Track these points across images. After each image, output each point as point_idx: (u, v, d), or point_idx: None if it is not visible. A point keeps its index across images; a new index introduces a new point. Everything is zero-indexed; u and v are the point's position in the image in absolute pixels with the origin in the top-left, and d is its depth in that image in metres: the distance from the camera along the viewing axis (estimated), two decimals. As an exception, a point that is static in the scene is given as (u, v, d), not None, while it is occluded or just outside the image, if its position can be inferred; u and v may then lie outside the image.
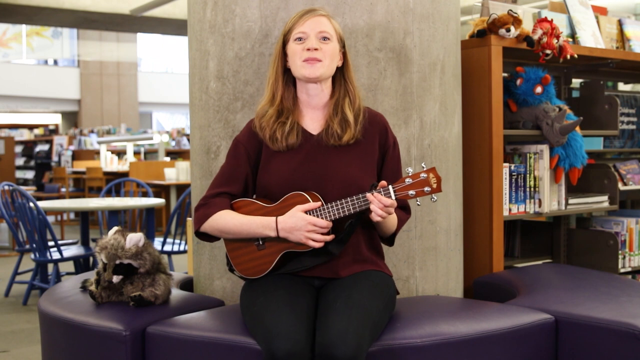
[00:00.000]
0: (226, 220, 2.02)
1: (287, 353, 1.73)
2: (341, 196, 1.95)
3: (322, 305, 1.90)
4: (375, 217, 1.91)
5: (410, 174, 1.91)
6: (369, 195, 1.91)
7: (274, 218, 1.97)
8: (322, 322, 1.82)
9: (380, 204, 1.89)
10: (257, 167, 2.10)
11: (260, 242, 2.02)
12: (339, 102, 2.07)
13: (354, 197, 1.93)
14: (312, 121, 2.10)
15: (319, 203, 1.96)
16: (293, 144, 2.05)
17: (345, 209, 1.94)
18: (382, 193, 1.91)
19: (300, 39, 2.02)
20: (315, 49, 2.00)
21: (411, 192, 1.90)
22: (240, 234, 2.01)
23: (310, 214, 1.95)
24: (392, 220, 2.05)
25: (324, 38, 2.02)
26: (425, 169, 1.91)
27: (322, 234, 1.94)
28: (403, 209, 2.13)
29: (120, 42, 19.97)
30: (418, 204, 1.98)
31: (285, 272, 2.03)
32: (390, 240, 2.14)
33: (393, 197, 1.91)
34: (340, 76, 2.10)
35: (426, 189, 1.90)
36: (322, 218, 1.94)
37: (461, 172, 2.77)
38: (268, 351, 1.76)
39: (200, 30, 2.59)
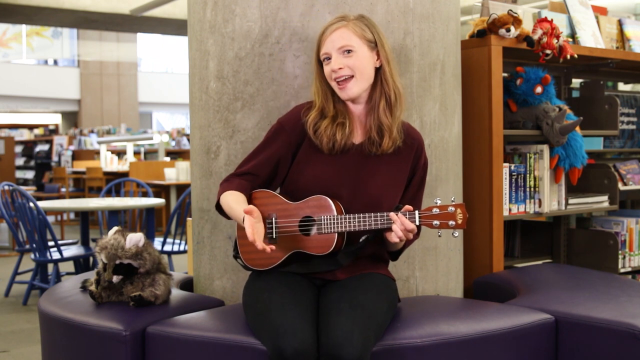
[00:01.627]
0: (229, 201, 2.01)
1: (295, 350, 1.72)
2: (364, 210, 1.96)
3: (325, 306, 1.90)
4: (393, 238, 1.92)
5: (438, 204, 1.92)
6: (392, 214, 1.91)
7: (242, 216, 1.90)
8: (327, 322, 1.81)
9: (402, 226, 1.90)
10: (294, 156, 2.08)
11: (274, 236, 2.02)
12: (375, 107, 2.05)
13: (378, 214, 1.93)
14: (357, 129, 2.09)
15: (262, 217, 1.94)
16: (350, 147, 2.04)
17: (367, 223, 1.94)
18: (407, 217, 1.91)
19: (327, 58, 2.03)
20: (340, 68, 1.99)
21: (435, 222, 1.91)
22: (233, 218, 2.02)
23: (338, 216, 1.94)
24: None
25: (347, 51, 2.00)
26: (454, 203, 1.92)
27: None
28: None
29: (120, 42, 19.97)
30: (439, 236, 1.98)
31: (289, 271, 2.04)
32: (394, 255, 2.14)
33: (417, 223, 1.91)
34: (377, 78, 2.06)
35: (451, 222, 1.90)
36: (344, 226, 1.95)
37: (461, 172, 2.77)
38: (275, 349, 1.75)
39: (200, 30, 2.59)
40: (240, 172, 2.08)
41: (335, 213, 1.96)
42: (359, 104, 2.08)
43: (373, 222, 1.93)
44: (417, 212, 1.92)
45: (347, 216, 1.95)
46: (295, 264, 2.03)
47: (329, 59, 2.02)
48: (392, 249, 2.10)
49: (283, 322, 1.78)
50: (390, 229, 1.92)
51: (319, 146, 2.04)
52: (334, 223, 1.95)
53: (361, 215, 1.94)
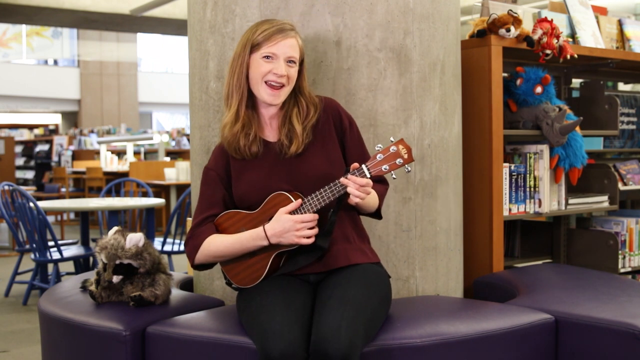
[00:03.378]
0: (216, 245, 2.03)
1: (281, 353, 1.73)
2: (317, 190, 1.97)
3: (318, 303, 1.91)
4: (354, 200, 1.92)
5: (380, 150, 1.92)
6: (343, 179, 1.92)
7: (261, 228, 1.97)
8: (316, 319, 1.83)
9: (356, 184, 1.90)
10: (230, 187, 2.12)
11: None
12: (288, 113, 2.10)
13: (331, 185, 1.94)
14: (270, 130, 2.13)
15: (300, 201, 1.97)
16: (256, 152, 2.08)
17: (325, 198, 1.95)
18: (357, 174, 1.91)
19: (268, 57, 2.03)
20: (283, 76, 2.02)
21: (384, 167, 1.91)
22: (235, 253, 2.02)
23: (294, 213, 1.96)
24: (373, 197, 2.06)
25: (290, 61, 2.05)
26: (393, 142, 1.92)
27: (311, 227, 1.95)
28: (380, 182, 2.15)
29: (120, 42, 19.97)
30: (394, 178, 1.98)
31: (281, 274, 2.04)
32: (377, 215, 2.15)
33: (368, 176, 1.92)
34: (291, 89, 2.11)
35: (398, 161, 1.90)
36: (305, 210, 1.96)
37: (461, 172, 2.77)
38: (262, 351, 1.76)
39: (200, 30, 2.59)
40: (200, 221, 2.09)
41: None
42: (272, 107, 2.11)
43: (330, 194, 1.94)
44: (363, 165, 1.92)
45: (305, 200, 1.96)
46: (284, 266, 2.03)
47: (272, 58, 2.03)
48: (369, 211, 2.10)
49: (271, 324, 1.79)
50: (348, 195, 1.93)
51: (229, 151, 2.09)
52: (294, 213, 1.96)
53: (316, 193, 1.95)
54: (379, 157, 1.91)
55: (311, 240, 1.95)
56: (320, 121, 2.12)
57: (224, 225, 2.08)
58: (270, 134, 2.13)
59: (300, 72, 2.12)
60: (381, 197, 2.12)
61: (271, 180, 2.05)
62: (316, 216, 1.95)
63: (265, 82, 2.04)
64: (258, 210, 2.03)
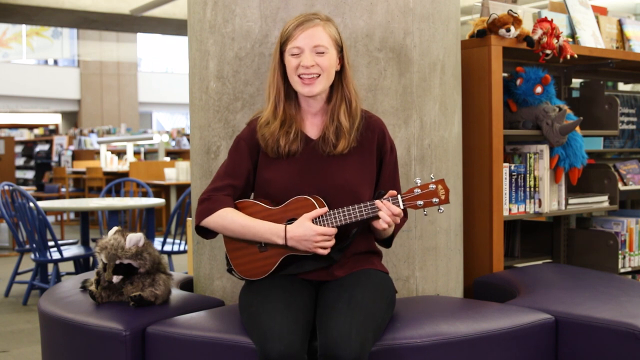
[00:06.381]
0: (233, 218, 2.01)
1: (280, 354, 1.73)
2: (340, 202, 1.96)
3: (323, 306, 1.90)
4: (382, 225, 1.92)
5: (419, 185, 1.93)
6: (378, 202, 1.92)
7: (283, 226, 1.97)
8: (324, 322, 1.82)
9: (389, 211, 1.91)
10: (257, 164, 2.10)
11: (263, 244, 2.02)
12: (335, 109, 2.06)
13: (362, 205, 1.94)
14: (312, 126, 2.10)
15: (325, 209, 1.96)
16: (295, 151, 2.05)
17: (353, 215, 1.94)
18: (391, 201, 1.92)
19: (296, 53, 2.02)
20: (312, 66, 2.00)
21: (419, 202, 1.93)
22: (245, 235, 2.01)
23: (317, 221, 1.95)
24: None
25: (319, 51, 2.01)
26: (434, 180, 1.93)
27: (329, 240, 1.95)
28: None
29: (120, 42, 19.97)
30: (425, 214, 2.00)
31: (284, 274, 2.03)
32: (387, 242, 2.14)
33: (401, 206, 1.92)
34: (338, 81, 2.08)
35: (434, 200, 1.92)
36: (328, 224, 1.95)
37: (461, 172, 2.77)
38: (262, 352, 1.76)
39: (200, 30, 2.59)
40: (220, 186, 2.07)
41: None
42: (316, 101, 2.08)
43: (359, 213, 1.94)
44: (399, 196, 1.93)
45: (333, 212, 1.95)
46: (289, 267, 2.03)
47: (298, 53, 2.01)
48: (383, 237, 2.10)
49: (271, 325, 1.79)
50: (377, 218, 1.93)
51: (264, 149, 2.06)
52: (319, 221, 1.95)
53: (346, 208, 1.95)
54: (416, 191, 1.93)
55: (326, 252, 1.96)
56: (365, 135, 2.08)
57: (242, 211, 2.06)
58: (312, 131, 2.10)
59: (342, 65, 2.07)
60: (397, 227, 2.10)
61: (299, 181, 2.03)
62: (335, 230, 1.95)
63: (299, 77, 2.02)
64: (279, 207, 2.02)
